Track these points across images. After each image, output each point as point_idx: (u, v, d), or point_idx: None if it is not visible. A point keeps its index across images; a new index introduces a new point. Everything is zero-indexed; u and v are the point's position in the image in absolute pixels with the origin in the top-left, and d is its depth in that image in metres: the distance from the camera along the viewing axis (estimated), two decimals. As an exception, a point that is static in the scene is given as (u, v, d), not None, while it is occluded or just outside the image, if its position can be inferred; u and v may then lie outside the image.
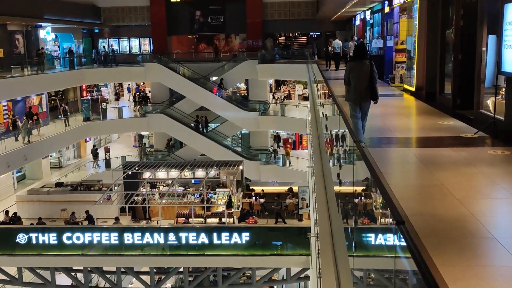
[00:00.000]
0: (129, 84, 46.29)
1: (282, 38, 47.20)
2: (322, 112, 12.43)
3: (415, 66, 15.21)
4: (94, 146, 36.87)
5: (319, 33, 43.77)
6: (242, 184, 28.07)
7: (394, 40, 19.12)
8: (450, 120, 10.59)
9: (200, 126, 35.26)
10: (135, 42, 44.62)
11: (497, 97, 9.47)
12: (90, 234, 20.74)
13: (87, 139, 37.47)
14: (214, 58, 39.78)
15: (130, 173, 26.73)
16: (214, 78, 37.71)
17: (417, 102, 13.99)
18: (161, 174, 28.94)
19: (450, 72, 12.35)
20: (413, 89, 15.47)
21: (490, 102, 9.98)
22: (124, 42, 44.43)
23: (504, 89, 9.58)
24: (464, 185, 5.96)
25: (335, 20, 37.97)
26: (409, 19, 16.32)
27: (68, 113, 32.38)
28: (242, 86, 41.49)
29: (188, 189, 27.37)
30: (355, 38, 24.58)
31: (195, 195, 26.16)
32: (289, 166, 32.32)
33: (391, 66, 19.39)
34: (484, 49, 10.05)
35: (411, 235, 2.64)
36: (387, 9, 20.49)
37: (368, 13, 26.29)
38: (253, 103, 37.02)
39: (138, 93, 43.58)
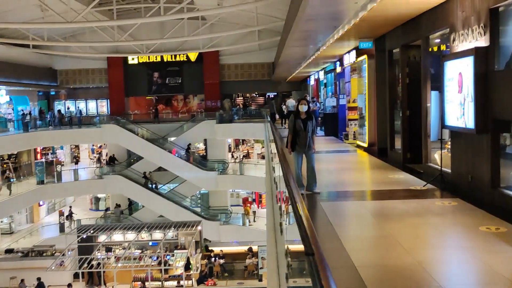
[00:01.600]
0: (93, 145, 45.59)
1: (240, 98, 47.97)
2: (273, 168, 12.53)
3: (366, 123, 15.65)
4: (70, 206, 36.09)
5: (275, 93, 44.75)
6: (201, 245, 27.58)
7: (346, 98, 19.71)
8: (400, 174, 10.83)
9: (149, 183, 34.86)
10: (92, 104, 44.38)
11: (443, 151, 9.79)
12: (40, 303, 19.72)
13: (41, 203, 36.31)
14: (154, 119, 39.64)
15: (84, 237, 25.89)
16: (172, 139, 37.65)
17: (370, 158, 14.29)
18: (118, 237, 28.15)
19: (399, 128, 12.76)
20: (365, 145, 15.84)
21: (437, 155, 10.30)
22: (81, 104, 44.12)
23: (449, 143, 9.93)
24: (412, 235, 6.04)
25: (290, 81, 39.01)
26: (359, 78, 16.94)
27: (12, 179, 31.12)
28: (201, 146, 41.56)
29: (145, 251, 26.65)
30: (308, 97, 25.16)
31: (152, 257, 25.46)
32: (249, 225, 32.04)
33: (344, 123, 19.88)
34: (429, 105, 10.47)
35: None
36: (338, 69, 21.23)
37: (321, 73, 27.16)
38: (212, 163, 36.97)
39: (95, 156, 42.99)
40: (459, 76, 8.16)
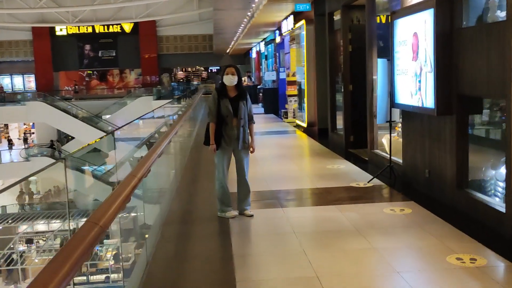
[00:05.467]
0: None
1: (181, 72, 45.20)
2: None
3: (305, 100, 13.59)
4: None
5: (219, 67, 42.27)
6: (135, 233, 25.23)
7: (286, 71, 17.58)
8: (341, 163, 8.81)
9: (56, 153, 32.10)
10: (18, 79, 40.70)
11: (393, 135, 7.81)
12: None
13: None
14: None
15: (1, 227, 23.03)
16: (108, 116, 34.88)
17: (309, 141, 12.25)
18: (42, 226, 25.39)
19: (342, 105, 10.71)
20: (305, 125, 13.81)
21: (385, 140, 8.32)
22: (6, 79, 40.35)
23: (399, 125, 7.97)
24: (347, 275, 3.96)
25: (233, 54, 36.60)
26: (298, 49, 14.80)
27: None
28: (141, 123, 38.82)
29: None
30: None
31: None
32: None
33: (285, 99, 17.79)
34: (375, 77, 8.44)
35: None
36: (278, 39, 19.02)
37: (262, 44, 24.90)
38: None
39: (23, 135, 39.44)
40: (413, 38, 6.10)
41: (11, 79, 40.50)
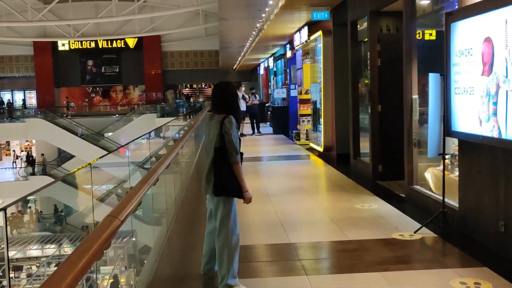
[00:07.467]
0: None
1: (187, 89, 43.95)
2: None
3: (322, 120, 12.01)
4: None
5: (226, 84, 40.93)
6: (135, 259, 23.58)
7: (298, 89, 16.05)
8: (371, 201, 7.19)
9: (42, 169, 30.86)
10: (19, 95, 39.61)
11: (439, 168, 6.23)
12: None
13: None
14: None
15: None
16: (110, 134, 33.64)
17: (326, 168, 10.64)
18: (35, 251, 23.80)
19: (368, 128, 9.13)
20: (321, 149, 12.21)
21: (430, 174, 6.71)
22: (7, 95, 39.24)
23: (447, 157, 6.36)
24: None
25: (240, 70, 35.26)
26: (313, 64, 13.28)
27: None
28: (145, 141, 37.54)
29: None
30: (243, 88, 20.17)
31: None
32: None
33: (296, 119, 16.24)
34: (414, 97, 6.87)
35: None
36: (289, 54, 17.52)
37: (271, 60, 23.43)
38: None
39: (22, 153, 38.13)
40: (485, 45, 4.53)
41: (12, 95, 39.45)
